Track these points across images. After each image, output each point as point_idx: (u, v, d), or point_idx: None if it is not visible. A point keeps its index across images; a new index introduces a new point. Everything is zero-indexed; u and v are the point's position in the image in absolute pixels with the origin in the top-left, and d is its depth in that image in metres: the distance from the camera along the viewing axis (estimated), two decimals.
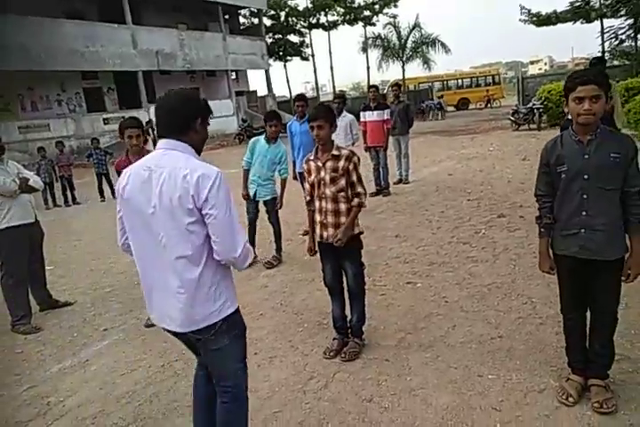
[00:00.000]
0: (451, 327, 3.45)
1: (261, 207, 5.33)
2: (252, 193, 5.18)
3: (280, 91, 37.21)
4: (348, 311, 3.36)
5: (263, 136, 5.12)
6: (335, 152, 3.05)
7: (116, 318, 4.35)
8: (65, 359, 3.66)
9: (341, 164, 3.03)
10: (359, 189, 3.09)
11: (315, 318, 3.86)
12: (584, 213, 2.34)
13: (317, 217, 3.16)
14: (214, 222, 1.83)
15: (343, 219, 3.08)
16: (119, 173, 4.04)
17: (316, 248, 3.29)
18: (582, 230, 2.36)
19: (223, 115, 26.74)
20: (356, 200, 3.09)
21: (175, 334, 2.07)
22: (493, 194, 7.33)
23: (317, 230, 3.19)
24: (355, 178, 3.06)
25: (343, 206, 3.08)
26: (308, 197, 3.25)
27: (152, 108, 22.86)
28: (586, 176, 2.31)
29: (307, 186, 3.23)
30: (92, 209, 10.46)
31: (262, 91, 32.41)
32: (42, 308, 4.65)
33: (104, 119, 22.03)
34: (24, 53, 18.30)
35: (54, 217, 9.50)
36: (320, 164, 3.08)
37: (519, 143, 12.78)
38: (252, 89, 33.26)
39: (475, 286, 4.10)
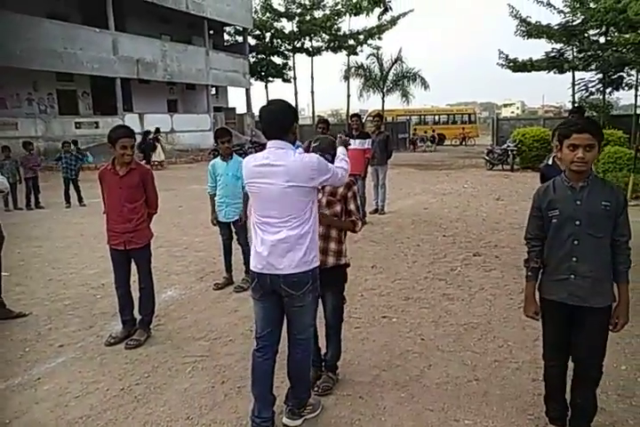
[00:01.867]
0: (427, 367, 3.38)
1: None
2: (222, 215, 5.07)
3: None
4: (321, 344, 3.25)
5: (219, 157, 5.07)
6: None
7: (73, 333, 4.09)
8: (14, 376, 3.39)
9: (340, 190, 3.00)
10: (355, 218, 3.04)
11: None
12: (574, 258, 2.34)
13: None
14: (328, 183, 2.66)
15: (332, 245, 3.01)
16: (101, 182, 3.88)
17: None
18: (572, 276, 2.36)
19: (200, 129, 26.57)
20: (351, 219, 3.03)
21: (269, 291, 2.65)
22: (468, 232, 7.42)
23: None
24: (353, 206, 3.03)
25: (334, 232, 3.01)
26: None
27: (128, 116, 22.55)
28: (577, 222, 2.31)
29: None
30: (55, 215, 10.03)
31: (241, 108, 32.46)
32: None
33: (76, 123, 21.47)
34: None
35: (15, 220, 9.03)
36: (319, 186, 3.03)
37: (493, 182, 13.13)
38: (230, 106, 33.26)
39: (451, 325, 4.06)
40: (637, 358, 3.42)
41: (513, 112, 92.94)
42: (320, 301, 3.13)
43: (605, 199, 2.28)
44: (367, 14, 30.61)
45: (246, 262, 5.19)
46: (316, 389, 3.08)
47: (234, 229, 5.15)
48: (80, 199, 10.90)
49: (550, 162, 4.23)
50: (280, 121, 2.56)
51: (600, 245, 2.32)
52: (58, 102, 23.19)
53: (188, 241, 7.27)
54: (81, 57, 20.85)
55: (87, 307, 4.69)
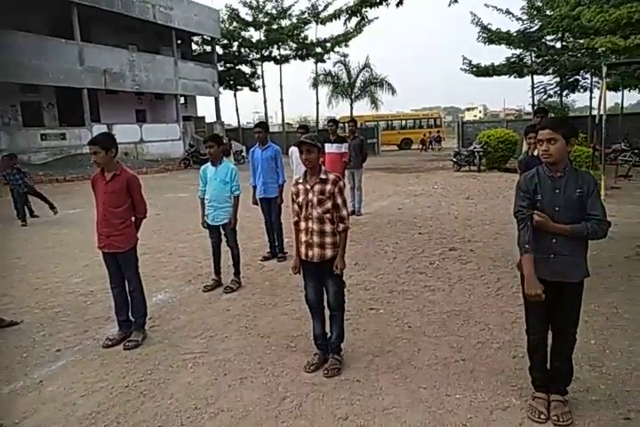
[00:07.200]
0: (416, 351, 3.62)
1: None
2: (211, 218, 5.19)
3: (229, 119, 37.39)
4: (327, 329, 3.49)
5: (209, 163, 5.22)
6: (323, 176, 3.26)
7: (69, 338, 4.15)
8: (16, 380, 3.46)
9: (328, 187, 3.23)
10: (344, 213, 3.29)
11: (282, 340, 3.90)
12: (554, 240, 2.63)
13: (303, 237, 3.32)
14: None
15: (328, 239, 3.25)
16: (93, 188, 4.00)
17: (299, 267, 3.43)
18: (552, 256, 2.64)
19: (169, 138, 26.43)
20: (341, 226, 3.29)
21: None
22: (442, 229, 7.74)
23: (302, 250, 3.33)
24: (340, 201, 3.26)
25: (328, 227, 3.25)
26: (295, 218, 3.40)
27: (95, 127, 22.28)
28: (557, 208, 2.61)
29: (295, 207, 3.39)
30: (26, 227, 9.89)
31: (210, 117, 32.45)
32: None
33: (42, 135, 21.07)
34: None
35: None
36: (308, 186, 3.26)
37: (461, 183, 13.58)
38: (200, 115, 33.20)
39: (435, 313, 4.32)
40: (604, 334, 3.76)
41: (475, 115, 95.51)
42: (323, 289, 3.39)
43: (579, 186, 2.58)
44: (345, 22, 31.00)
45: (235, 264, 5.36)
46: (325, 371, 3.30)
47: (222, 232, 5.29)
48: (31, 212, 10.26)
49: (536, 153, 4.57)
50: None
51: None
52: (22, 114, 22.74)
53: (170, 247, 7.35)
54: (46, 68, 20.53)
55: (79, 313, 4.74)
